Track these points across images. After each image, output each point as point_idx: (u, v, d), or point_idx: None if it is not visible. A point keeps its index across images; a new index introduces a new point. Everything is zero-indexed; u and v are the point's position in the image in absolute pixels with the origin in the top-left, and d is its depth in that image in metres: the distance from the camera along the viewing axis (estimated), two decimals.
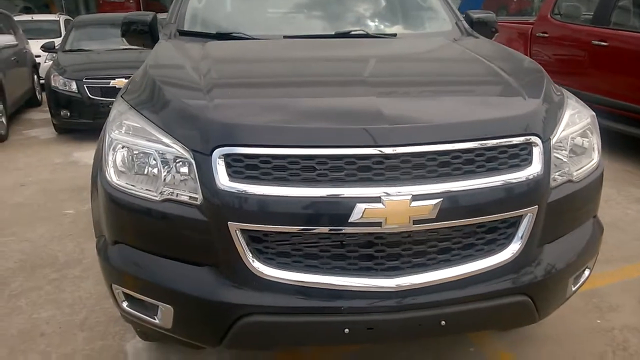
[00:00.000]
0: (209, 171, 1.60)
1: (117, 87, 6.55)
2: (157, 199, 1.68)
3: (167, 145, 1.69)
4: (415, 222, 1.57)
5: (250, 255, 1.61)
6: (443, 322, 1.67)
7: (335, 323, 1.63)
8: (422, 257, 1.65)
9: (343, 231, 1.57)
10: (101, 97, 6.55)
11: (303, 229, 1.57)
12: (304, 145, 1.57)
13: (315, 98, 1.94)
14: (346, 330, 1.63)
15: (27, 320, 2.80)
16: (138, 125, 1.77)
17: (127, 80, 2.44)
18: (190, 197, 1.64)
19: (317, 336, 1.69)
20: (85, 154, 6.14)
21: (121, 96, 2.04)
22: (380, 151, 1.57)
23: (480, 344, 2.55)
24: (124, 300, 1.85)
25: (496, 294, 1.72)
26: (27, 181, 5.19)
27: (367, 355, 2.45)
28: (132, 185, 1.74)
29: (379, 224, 1.55)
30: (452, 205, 1.59)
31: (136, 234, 1.77)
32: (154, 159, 1.70)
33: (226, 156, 1.59)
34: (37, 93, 9.28)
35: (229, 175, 1.59)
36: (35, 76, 9.37)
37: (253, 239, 1.61)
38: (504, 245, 1.73)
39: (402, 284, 1.62)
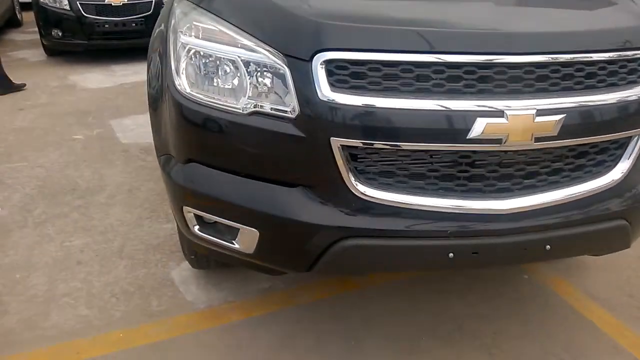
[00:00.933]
0: (307, 80, 1.41)
1: (113, 4, 6.10)
2: (243, 112, 1.49)
3: (253, 50, 1.48)
4: (537, 139, 1.43)
5: (351, 174, 1.46)
6: (548, 247, 1.58)
7: (440, 247, 1.53)
8: (534, 178, 1.53)
9: (459, 149, 1.43)
10: (96, 15, 6.10)
11: (414, 146, 1.42)
12: (419, 50, 1.39)
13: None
14: (450, 255, 1.52)
15: (59, 248, 2.65)
16: (214, 28, 1.55)
17: None
18: (283, 109, 1.46)
19: (418, 261, 1.58)
20: (81, 78, 5.78)
21: None
22: (504, 60, 1.40)
23: (533, 271, 2.51)
24: (195, 224, 1.71)
25: (599, 218, 1.64)
26: (25, 105, 4.87)
27: (424, 281, 2.40)
28: (210, 96, 1.54)
29: (499, 141, 1.40)
30: (573, 122, 1.45)
31: (215, 151, 1.59)
32: (239, 67, 1.50)
33: (329, 62, 1.40)
34: (16, 12, 8.62)
35: (331, 84, 1.40)
36: None
37: (355, 156, 1.46)
38: (610, 168, 1.62)
39: (512, 207, 1.51)
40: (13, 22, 8.42)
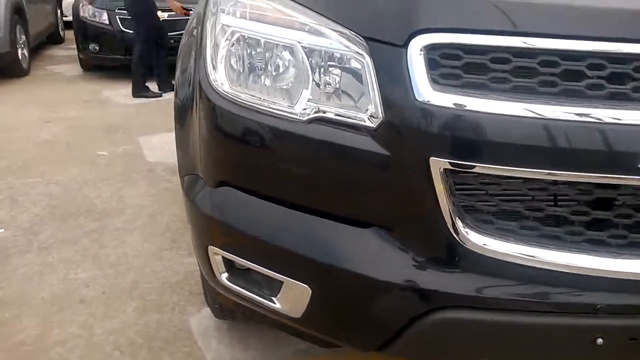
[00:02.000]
0: (398, 74, 0.96)
1: None
2: (300, 118, 1.05)
3: (320, 34, 1.04)
4: None
5: (457, 212, 0.98)
6: None
7: (582, 329, 1.02)
8: None
9: (624, 182, 0.94)
10: None
11: (555, 175, 0.94)
12: (569, 35, 0.92)
13: None
14: (599, 341, 1.01)
15: (61, 281, 2.22)
16: (267, 5, 1.12)
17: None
18: (358, 116, 1.01)
19: (548, 347, 1.07)
20: (115, 93, 5.52)
21: None
22: None
23: None
24: (224, 272, 1.25)
25: None
26: (52, 118, 4.59)
27: None
28: (256, 95, 1.10)
29: None
30: None
31: (257, 171, 1.14)
32: (297, 55, 1.06)
33: (432, 49, 0.94)
34: (59, 29, 8.61)
35: (433, 80, 0.95)
36: (59, 11, 8.67)
37: (464, 187, 0.98)
38: None
39: None
40: (55, 39, 8.40)
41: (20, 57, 6.03)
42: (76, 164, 3.51)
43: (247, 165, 1.16)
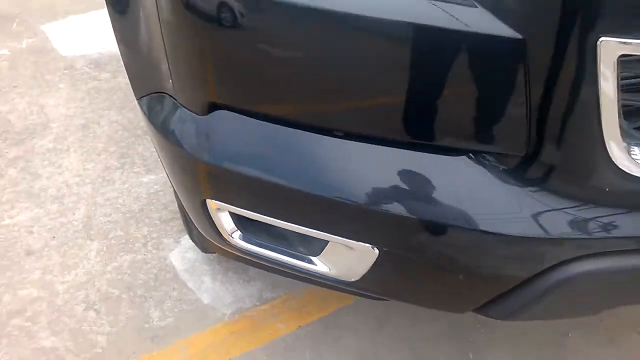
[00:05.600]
0: None
1: None
2: None
3: None
4: None
5: (621, 124, 0.62)
6: None
7: None
8: None
9: None
10: None
11: None
12: None
13: None
14: None
15: None
16: None
17: None
18: None
19: None
20: None
21: None
22: None
23: None
24: (235, 230, 0.87)
25: None
26: None
27: None
28: None
29: None
30: None
31: (274, 76, 0.72)
32: None
33: None
34: None
35: None
36: None
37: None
38: None
39: None
40: None
41: None
42: None
43: (256, 72, 0.72)
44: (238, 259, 1.05)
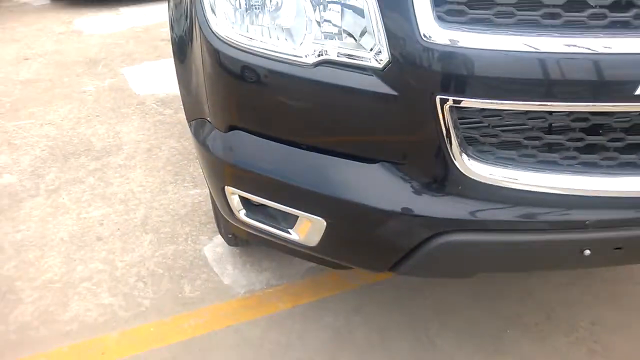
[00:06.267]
0: (403, 12, 0.99)
1: None
2: (306, 61, 1.08)
3: None
4: None
5: (460, 145, 1.06)
6: None
7: (573, 242, 1.14)
8: None
9: (621, 109, 1.01)
10: None
11: (556, 106, 1.01)
12: None
13: None
14: (586, 252, 1.14)
15: (75, 221, 2.32)
16: None
17: None
18: (364, 56, 1.04)
19: (541, 261, 1.21)
20: (87, 22, 5.31)
21: None
22: None
23: None
24: (241, 209, 1.34)
25: None
26: (30, 54, 4.45)
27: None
28: (259, 40, 1.13)
29: None
30: None
31: (268, 115, 1.20)
32: None
33: None
34: None
35: (439, 17, 0.98)
36: None
37: (467, 121, 1.05)
38: None
39: None
40: None
41: None
42: (64, 102, 3.48)
43: (256, 110, 1.21)
44: (249, 236, 1.50)
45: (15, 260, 2.11)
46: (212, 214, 2.25)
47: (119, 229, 2.26)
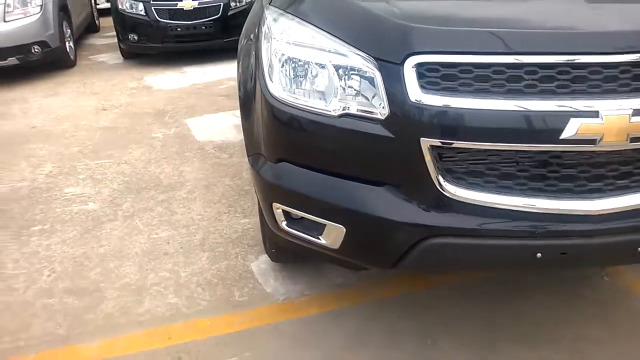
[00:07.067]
0: (398, 82, 1.46)
1: (184, 8, 6.37)
2: (333, 114, 1.56)
3: (344, 55, 1.54)
4: (633, 139, 1.41)
5: (440, 173, 1.50)
6: (639, 249, 1.56)
7: (528, 247, 1.53)
8: (627, 178, 1.51)
9: (551, 149, 1.43)
10: (169, 19, 6.39)
11: (505, 147, 1.44)
12: (512, 52, 1.41)
13: (518, 0, 1.74)
14: (538, 255, 1.53)
15: (147, 240, 2.83)
16: (306, 34, 1.63)
17: None
18: (372, 111, 1.52)
19: (505, 260, 1.60)
20: (156, 79, 6.08)
21: (270, 4, 1.88)
22: (598, 60, 1.39)
23: (615, 273, 2.44)
24: (283, 220, 1.80)
25: None
26: (106, 105, 5.19)
27: (498, 282, 2.39)
28: (301, 99, 1.62)
29: (593, 142, 1.40)
30: None
31: (305, 151, 1.68)
32: (329, 71, 1.57)
33: (420, 65, 1.44)
34: (95, 18, 9.17)
35: (421, 86, 1.44)
36: (93, 1, 9.22)
37: (444, 156, 1.49)
38: None
39: (604, 208, 1.49)
40: (92, 28, 8.97)
41: (68, 50, 6.61)
42: (137, 146, 4.11)
43: (297, 147, 1.69)
44: (288, 244, 1.94)
45: (99, 267, 2.62)
46: (258, 238, 2.71)
47: (182, 247, 2.75)
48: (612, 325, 2.14)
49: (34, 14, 5.95)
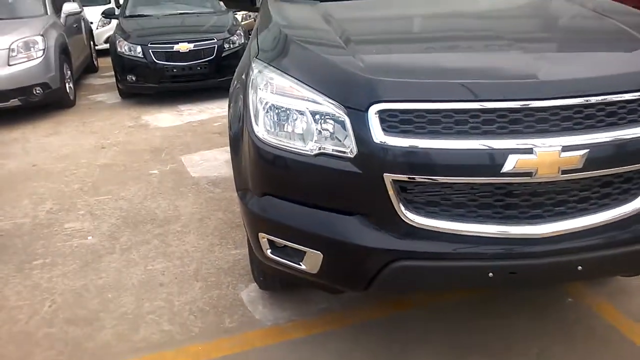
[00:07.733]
0: (364, 126, 1.69)
1: (180, 51, 6.69)
2: (310, 153, 1.78)
3: (320, 103, 1.77)
4: (564, 172, 1.63)
5: (402, 204, 1.71)
6: (580, 267, 1.75)
7: (481, 267, 1.73)
8: (563, 205, 1.72)
9: (494, 181, 1.65)
10: (165, 61, 6.70)
11: (456, 180, 1.66)
12: (458, 99, 1.64)
13: (462, 53, 1.99)
14: (490, 274, 1.73)
15: (143, 272, 3.00)
16: (286, 85, 1.86)
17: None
18: (343, 151, 1.73)
19: (461, 280, 1.80)
20: (153, 118, 6.34)
21: (256, 57, 2.12)
22: (532, 105, 1.62)
23: (578, 295, 2.63)
24: (268, 248, 1.99)
25: (626, 241, 1.78)
26: (105, 143, 5.42)
27: (469, 304, 2.57)
28: (283, 141, 1.84)
29: (529, 174, 1.61)
30: (596, 156, 1.64)
31: (287, 186, 1.88)
32: (306, 116, 1.79)
33: (381, 112, 1.67)
34: (93, 59, 9.52)
35: (383, 129, 1.67)
36: (92, 42, 9.59)
37: (405, 189, 1.70)
38: (636, 195, 1.78)
39: (545, 232, 1.70)
40: (91, 68, 9.31)
41: (68, 91, 6.90)
42: (134, 182, 4.31)
43: (280, 183, 1.90)
44: (274, 271, 2.13)
45: (98, 298, 2.79)
46: (248, 268, 2.89)
47: (176, 278, 2.93)
48: (573, 341, 2.32)
49: (36, 58, 6.25)
